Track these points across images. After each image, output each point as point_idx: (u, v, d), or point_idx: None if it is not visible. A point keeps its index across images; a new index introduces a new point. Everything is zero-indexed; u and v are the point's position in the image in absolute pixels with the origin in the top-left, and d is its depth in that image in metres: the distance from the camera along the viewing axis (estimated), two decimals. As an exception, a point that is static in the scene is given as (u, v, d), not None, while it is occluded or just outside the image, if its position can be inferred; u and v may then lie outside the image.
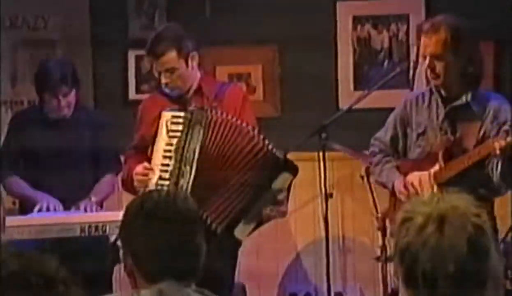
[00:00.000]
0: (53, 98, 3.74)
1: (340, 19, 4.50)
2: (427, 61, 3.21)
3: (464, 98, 3.24)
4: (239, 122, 3.33)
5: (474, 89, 3.26)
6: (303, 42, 4.49)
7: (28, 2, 4.58)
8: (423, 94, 3.37)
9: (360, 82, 4.47)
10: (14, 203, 4.05)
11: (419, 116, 3.36)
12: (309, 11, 4.50)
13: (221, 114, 3.34)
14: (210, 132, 3.30)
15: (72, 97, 3.77)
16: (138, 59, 4.55)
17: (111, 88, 4.57)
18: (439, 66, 3.20)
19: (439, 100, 3.30)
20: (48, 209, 3.70)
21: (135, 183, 3.37)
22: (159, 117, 3.40)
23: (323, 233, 3.72)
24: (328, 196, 3.65)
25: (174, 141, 3.35)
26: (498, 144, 3.05)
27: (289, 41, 4.52)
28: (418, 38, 3.29)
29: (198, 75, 3.48)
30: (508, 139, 3.02)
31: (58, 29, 4.59)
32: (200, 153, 3.29)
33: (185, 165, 3.31)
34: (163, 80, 3.43)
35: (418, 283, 1.48)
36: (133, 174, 3.37)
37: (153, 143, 3.39)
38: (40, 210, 3.71)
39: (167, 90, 3.45)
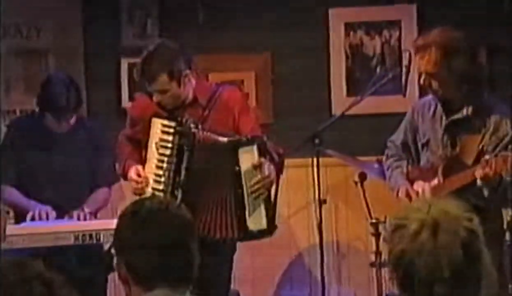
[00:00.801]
0: (55, 119, 3.73)
1: (332, 26, 4.51)
2: (422, 78, 3.23)
3: (464, 111, 3.25)
4: (220, 139, 3.33)
5: (476, 99, 3.25)
6: (295, 49, 4.51)
7: (21, 11, 4.58)
8: (430, 102, 3.37)
9: (353, 88, 4.48)
10: (8, 212, 4.04)
11: (424, 125, 3.37)
12: (302, 18, 4.52)
13: (206, 133, 3.33)
14: (195, 153, 3.33)
15: (73, 119, 3.76)
16: (131, 67, 4.54)
17: (104, 96, 4.57)
18: (434, 84, 3.22)
19: (443, 111, 3.31)
20: (40, 216, 3.69)
21: (131, 188, 3.41)
22: (149, 122, 3.41)
23: (317, 239, 3.73)
24: (322, 202, 3.65)
25: (167, 152, 3.37)
26: (478, 173, 3.07)
27: (282, 48, 4.53)
28: (415, 53, 3.29)
29: (193, 84, 3.46)
30: (486, 169, 3.03)
31: (51, 37, 4.59)
32: (187, 176, 3.32)
33: (177, 189, 3.32)
34: (155, 99, 3.42)
35: (415, 288, 1.49)
36: (128, 178, 3.41)
37: (145, 148, 3.41)
38: (33, 218, 3.70)
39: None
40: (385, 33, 4.50)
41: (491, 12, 4.32)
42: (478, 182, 3.10)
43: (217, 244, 3.33)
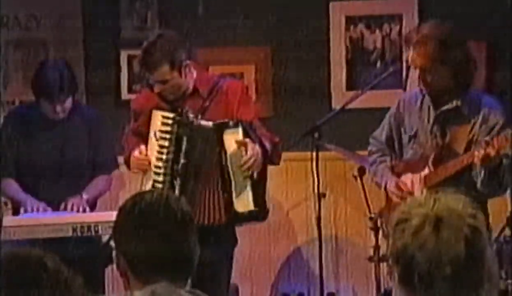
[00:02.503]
0: (49, 104, 3.73)
1: (333, 19, 4.50)
2: (416, 72, 3.24)
3: (454, 102, 3.26)
4: (206, 123, 3.35)
5: (465, 92, 3.27)
6: (296, 42, 4.49)
7: (20, 2, 4.56)
8: (415, 95, 3.38)
9: (353, 82, 4.47)
10: (6, 203, 4.04)
11: (411, 118, 3.38)
12: (302, 12, 4.50)
13: (203, 124, 3.35)
14: (193, 142, 3.34)
15: (68, 103, 3.76)
16: (130, 59, 4.54)
17: (104, 88, 4.56)
18: (429, 77, 3.23)
19: (431, 103, 3.31)
20: (32, 211, 3.69)
21: (132, 166, 3.45)
22: (149, 115, 3.40)
23: (316, 233, 3.73)
24: (321, 196, 3.65)
25: (166, 143, 3.38)
26: (478, 154, 3.06)
27: (282, 41, 4.51)
28: (407, 47, 3.30)
29: (194, 75, 3.47)
30: (487, 149, 3.04)
31: (50, 29, 4.57)
32: (185, 165, 3.33)
33: (175, 179, 3.32)
34: (156, 90, 3.43)
35: (415, 284, 1.48)
36: (131, 157, 3.43)
37: (146, 140, 3.42)
38: (26, 212, 3.69)
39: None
40: (386, 27, 4.48)
41: (493, 6, 4.31)
42: (477, 165, 3.08)
43: (218, 237, 3.32)
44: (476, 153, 3.09)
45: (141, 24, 4.57)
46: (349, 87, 4.47)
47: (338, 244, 4.48)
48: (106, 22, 4.56)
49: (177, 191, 3.30)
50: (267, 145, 3.41)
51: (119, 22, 4.58)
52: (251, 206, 3.33)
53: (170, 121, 3.39)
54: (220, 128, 3.33)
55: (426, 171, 3.28)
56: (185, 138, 3.35)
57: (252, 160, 3.31)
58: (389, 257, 1.53)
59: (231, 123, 3.34)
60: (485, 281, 1.50)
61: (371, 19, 4.48)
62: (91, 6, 4.56)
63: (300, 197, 4.40)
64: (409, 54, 3.26)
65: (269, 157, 3.43)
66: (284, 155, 3.82)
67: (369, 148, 3.52)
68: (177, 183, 3.34)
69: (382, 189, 3.42)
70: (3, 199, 4.04)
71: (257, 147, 3.34)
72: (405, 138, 3.40)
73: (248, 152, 3.31)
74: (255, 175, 3.34)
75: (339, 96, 4.43)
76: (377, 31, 4.50)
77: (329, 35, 4.50)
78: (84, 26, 4.56)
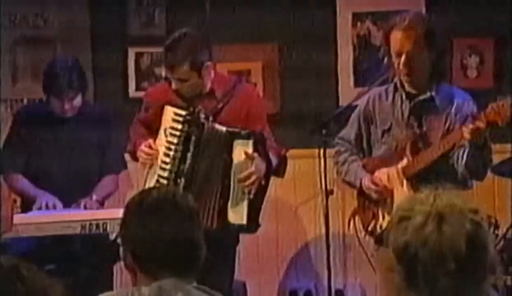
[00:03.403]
0: (58, 101, 3.74)
1: (340, 16, 4.50)
2: (402, 58, 3.23)
3: (428, 93, 3.28)
4: (220, 127, 3.35)
5: (438, 84, 3.29)
6: (303, 39, 4.49)
7: (28, 0, 4.58)
8: (386, 90, 3.40)
9: (360, 78, 4.47)
10: (15, 201, 4.05)
11: (383, 112, 3.38)
12: (309, 8, 4.50)
13: (216, 127, 3.35)
14: (202, 143, 3.35)
15: (77, 100, 3.77)
16: (138, 56, 4.55)
17: (111, 85, 4.57)
18: (412, 62, 3.23)
19: (404, 95, 3.33)
20: (47, 207, 3.71)
21: (139, 159, 3.43)
22: (162, 109, 3.41)
23: (323, 230, 3.72)
24: (328, 192, 3.65)
25: (174, 140, 3.38)
26: (467, 129, 3.06)
27: (289, 38, 4.52)
28: (388, 34, 3.28)
29: (212, 76, 3.46)
30: (476, 123, 3.03)
31: (58, 26, 4.58)
32: (191, 165, 3.34)
33: (180, 178, 3.33)
34: (174, 86, 3.44)
35: (419, 281, 1.48)
36: (138, 150, 3.42)
37: (156, 135, 3.43)
38: (39, 208, 3.71)
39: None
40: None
41: (500, 3, 4.29)
42: (466, 142, 3.08)
43: (219, 236, 3.33)
44: (464, 128, 3.08)
45: (148, 22, 4.58)
46: (357, 83, 4.46)
47: (345, 241, 4.48)
48: (113, 19, 4.57)
49: (181, 189, 3.30)
50: (274, 160, 3.42)
51: (127, 20, 4.58)
52: (244, 221, 3.34)
53: (181, 119, 3.39)
54: (232, 136, 3.33)
55: (405, 162, 3.29)
56: (194, 139, 3.35)
57: (254, 177, 3.33)
58: (391, 254, 1.53)
59: (243, 133, 3.34)
60: (488, 275, 1.51)
61: (378, 16, 4.48)
62: (98, 4, 4.57)
63: (308, 194, 4.41)
64: (395, 39, 3.23)
65: (274, 171, 3.46)
66: (292, 151, 3.82)
67: (337, 148, 3.52)
68: (181, 182, 3.34)
69: (358, 187, 3.42)
70: (12, 196, 4.06)
71: (263, 164, 3.35)
72: (377, 134, 3.40)
73: (253, 168, 3.32)
74: (253, 190, 3.35)
75: (347, 92, 4.42)
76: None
77: (336, 31, 4.50)
78: (92, 24, 4.57)
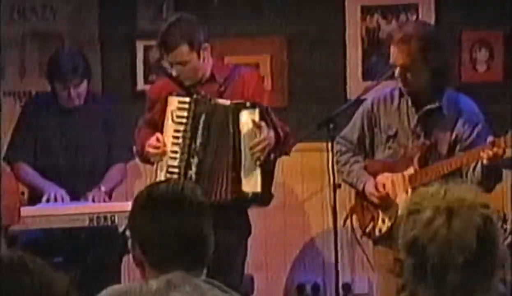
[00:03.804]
0: (64, 89, 3.76)
1: (348, 9, 4.48)
2: (397, 70, 3.24)
3: (437, 103, 3.28)
4: (223, 101, 3.35)
5: (442, 92, 3.29)
6: (311, 32, 4.48)
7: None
8: (391, 93, 3.39)
9: (369, 72, 4.45)
10: (23, 193, 4.06)
11: (388, 117, 3.39)
12: (318, 1, 4.48)
13: (220, 102, 3.35)
14: (212, 124, 3.35)
15: (83, 88, 3.79)
16: (147, 49, 4.55)
17: (120, 79, 4.57)
18: (409, 76, 3.24)
19: (410, 102, 3.32)
20: (55, 199, 3.71)
21: (148, 153, 3.42)
22: (165, 101, 3.41)
23: (331, 224, 3.72)
24: (336, 186, 3.64)
25: (181, 127, 3.39)
26: (485, 154, 3.06)
27: (298, 31, 4.50)
28: (389, 44, 3.31)
29: (211, 62, 3.48)
30: (494, 149, 3.03)
31: (66, 20, 4.58)
32: (204, 146, 3.34)
33: (192, 157, 3.34)
34: (175, 72, 3.43)
35: (427, 275, 1.48)
36: (146, 144, 3.41)
37: (161, 127, 3.43)
38: (48, 200, 3.72)
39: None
40: (402, 16, 4.46)
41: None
42: (484, 162, 3.08)
43: (230, 221, 3.33)
44: (482, 153, 3.09)
45: (157, 14, 4.57)
46: (365, 77, 4.45)
47: (353, 234, 4.47)
48: (122, 12, 4.56)
49: (194, 169, 3.32)
50: (281, 132, 3.41)
51: (135, 13, 4.58)
52: (258, 188, 3.33)
53: (186, 105, 3.40)
54: (238, 107, 3.35)
55: (411, 171, 3.28)
56: (203, 116, 3.36)
57: (265, 143, 3.32)
58: (400, 248, 1.53)
59: (248, 103, 3.35)
60: (497, 269, 1.51)
61: (387, 9, 4.46)
62: (107, -3, 4.57)
63: (316, 188, 4.40)
64: (391, 52, 3.27)
65: (281, 145, 3.43)
66: (300, 145, 3.82)
67: (338, 148, 3.52)
68: (194, 161, 3.35)
69: (360, 190, 3.42)
70: (20, 188, 4.07)
71: (271, 132, 3.34)
72: (381, 138, 3.40)
73: (262, 135, 3.32)
74: (264, 157, 3.33)
75: (355, 86, 4.41)
76: (393, 21, 4.47)
77: (345, 25, 4.48)
78: (100, 17, 4.57)
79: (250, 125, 3.33)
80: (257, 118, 3.33)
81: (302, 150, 4.07)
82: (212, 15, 4.46)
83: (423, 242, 1.49)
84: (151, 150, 3.40)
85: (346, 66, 4.50)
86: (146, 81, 4.55)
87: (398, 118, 3.35)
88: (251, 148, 3.32)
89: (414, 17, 4.44)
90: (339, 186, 3.70)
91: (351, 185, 3.50)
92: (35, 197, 3.83)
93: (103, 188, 3.76)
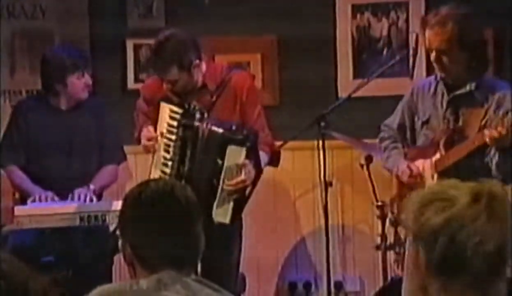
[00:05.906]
0: (64, 85, 3.75)
1: (339, 7, 4.48)
2: (433, 54, 3.20)
3: (468, 87, 3.24)
4: (216, 129, 3.36)
5: (479, 77, 3.25)
6: (302, 31, 4.48)
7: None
8: (429, 82, 3.37)
9: (360, 70, 4.45)
10: (14, 194, 4.05)
11: (424, 104, 3.36)
12: (309, 0, 4.48)
13: (211, 129, 3.36)
14: (198, 146, 3.37)
15: (88, 78, 3.80)
16: (137, 48, 4.54)
17: (110, 77, 4.56)
18: (445, 60, 3.20)
19: (444, 88, 3.29)
20: (40, 200, 3.70)
21: (142, 146, 3.47)
22: (158, 105, 3.42)
23: (322, 222, 3.72)
24: (327, 184, 3.64)
25: (172, 137, 3.41)
26: (489, 133, 3.04)
27: (288, 30, 4.50)
28: (423, 30, 3.26)
29: (203, 70, 3.47)
30: (498, 128, 3.01)
31: (56, 18, 4.57)
32: (190, 169, 3.37)
33: (180, 180, 3.35)
34: (165, 86, 3.45)
35: (452, 263, 1.43)
36: (140, 136, 3.46)
37: (154, 123, 3.45)
38: (33, 200, 3.70)
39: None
40: (393, 14, 4.46)
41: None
42: (492, 147, 3.04)
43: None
44: (486, 132, 3.06)
45: (147, 13, 4.56)
46: (356, 75, 4.45)
47: (344, 232, 4.48)
48: (112, 11, 4.55)
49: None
50: (264, 159, 3.46)
51: (125, 11, 4.57)
52: (227, 220, 3.38)
53: (177, 116, 3.40)
54: (226, 141, 3.34)
55: (438, 155, 3.26)
56: (189, 144, 3.38)
57: (244, 184, 3.36)
58: (414, 239, 1.47)
59: (238, 138, 3.34)
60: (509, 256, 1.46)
61: (377, 7, 4.46)
62: (97, -5, 4.56)
63: (307, 186, 4.40)
64: (426, 36, 3.21)
65: (267, 165, 3.50)
66: (291, 144, 3.81)
67: (381, 135, 3.51)
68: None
69: (394, 174, 3.40)
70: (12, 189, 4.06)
71: (253, 171, 3.37)
72: (418, 125, 3.39)
73: (243, 176, 3.34)
74: (240, 194, 3.38)
75: (346, 84, 4.41)
76: (384, 19, 4.47)
77: (336, 23, 4.48)
78: (90, 15, 4.55)
79: (234, 161, 3.34)
80: (242, 157, 3.33)
81: (293, 148, 4.07)
82: (203, 14, 4.46)
83: (451, 228, 1.42)
84: (144, 141, 3.45)
85: (337, 64, 4.50)
86: (136, 79, 4.54)
87: (433, 103, 3.31)
88: (229, 186, 3.35)
89: (405, 16, 4.44)
90: (330, 184, 3.70)
91: (389, 170, 3.47)
92: (26, 198, 3.81)
93: (92, 187, 3.75)
